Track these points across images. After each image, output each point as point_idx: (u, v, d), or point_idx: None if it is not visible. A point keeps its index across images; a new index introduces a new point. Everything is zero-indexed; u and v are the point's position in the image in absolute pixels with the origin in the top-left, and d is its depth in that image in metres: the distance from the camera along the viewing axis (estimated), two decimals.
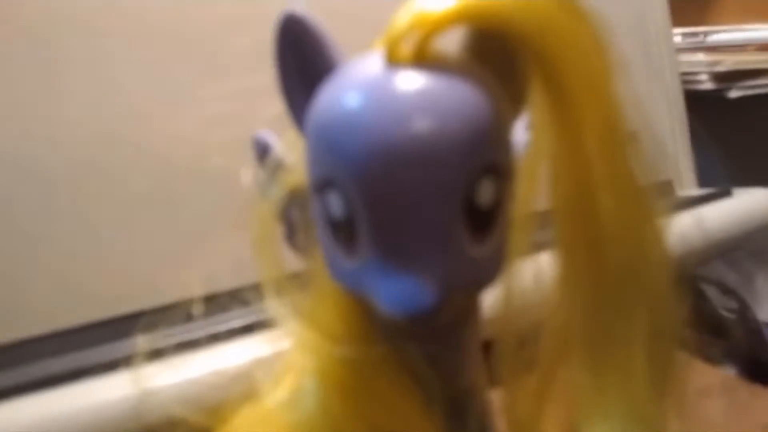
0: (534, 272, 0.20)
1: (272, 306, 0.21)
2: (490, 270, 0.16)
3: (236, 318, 0.34)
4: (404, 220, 0.15)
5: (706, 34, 0.79)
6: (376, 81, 0.15)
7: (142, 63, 0.42)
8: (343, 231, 0.16)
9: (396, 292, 0.15)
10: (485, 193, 0.15)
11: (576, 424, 0.18)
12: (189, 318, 0.28)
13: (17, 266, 0.39)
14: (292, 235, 0.21)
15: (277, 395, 0.20)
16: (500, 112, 0.16)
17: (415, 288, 0.15)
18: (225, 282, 0.33)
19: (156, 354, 0.28)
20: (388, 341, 0.18)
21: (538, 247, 0.19)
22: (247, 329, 0.32)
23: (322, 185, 0.16)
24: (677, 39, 0.74)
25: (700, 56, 0.71)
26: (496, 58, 0.16)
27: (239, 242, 0.21)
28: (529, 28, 0.15)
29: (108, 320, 0.39)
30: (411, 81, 0.15)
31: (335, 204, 0.16)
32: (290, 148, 0.21)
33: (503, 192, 0.16)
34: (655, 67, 0.61)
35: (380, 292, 0.15)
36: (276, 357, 0.22)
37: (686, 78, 0.66)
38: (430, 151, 0.14)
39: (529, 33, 0.15)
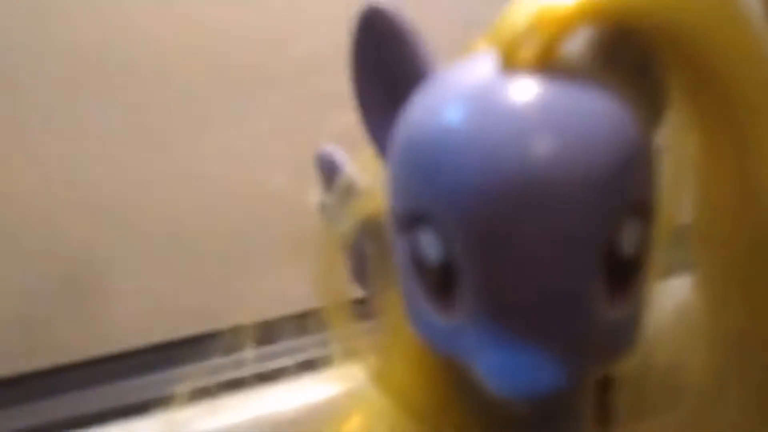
0: (666, 299, 0.17)
1: (333, 347, 0.18)
2: (629, 335, 0.13)
3: (290, 353, 0.31)
4: (525, 273, 0.11)
5: None
6: (490, 91, 0.12)
7: (186, 78, 0.39)
8: (436, 279, 0.13)
9: (508, 367, 0.11)
10: (629, 238, 0.12)
11: None
12: (236, 351, 0.25)
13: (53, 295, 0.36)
14: (360, 271, 0.18)
15: None
16: (646, 134, 0.12)
17: (535, 363, 0.11)
18: (277, 311, 0.31)
19: (197, 393, 0.26)
20: (478, 417, 0.15)
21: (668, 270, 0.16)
22: (303, 367, 0.29)
23: (410, 221, 0.13)
24: None
25: None
26: (629, 65, 0.13)
27: (297, 271, 0.18)
28: (680, 24, 0.12)
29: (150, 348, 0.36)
30: (536, 92, 0.12)
31: (428, 245, 0.12)
32: (363, 169, 0.18)
33: (648, 237, 0.12)
34: None
35: (486, 363, 0.12)
36: (333, 404, 0.19)
37: None
38: (563, 185, 0.11)
39: (680, 30, 0.12)
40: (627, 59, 0.13)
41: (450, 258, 0.12)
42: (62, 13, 0.35)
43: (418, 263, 0.13)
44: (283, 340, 0.31)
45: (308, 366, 0.28)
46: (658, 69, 0.13)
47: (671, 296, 0.16)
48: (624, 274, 0.12)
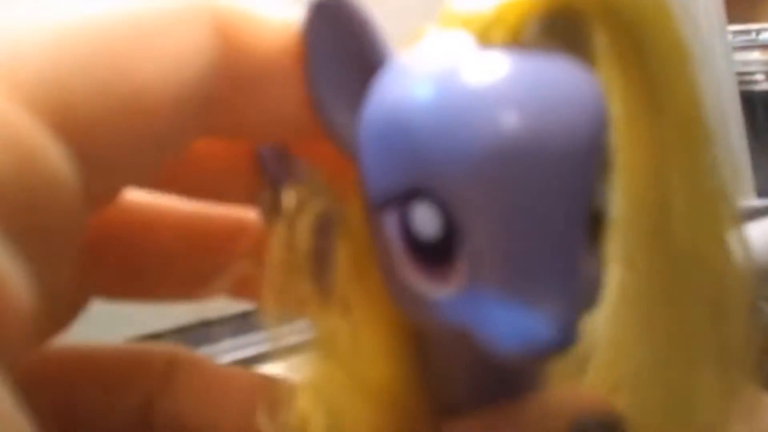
0: None
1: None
2: (597, 289, 0.14)
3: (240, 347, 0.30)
4: (524, 233, 0.12)
5: (758, 31, 0.75)
6: (478, 64, 0.12)
7: None
8: (431, 250, 0.13)
9: (515, 325, 0.12)
10: (600, 194, 0.13)
11: None
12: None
13: None
14: (321, 271, 0.18)
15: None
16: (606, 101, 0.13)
17: (539, 319, 0.12)
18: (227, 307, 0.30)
19: None
20: (442, 380, 0.16)
21: None
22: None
23: (402, 197, 0.13)
24: (728, 37, 0.70)
25: (755, 54, 0.67)
26: (566, 41, 0.14)
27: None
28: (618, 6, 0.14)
29: None
30: (523, 63, 0.12)
31: (425, 218, 0.13)
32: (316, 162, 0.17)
33: (606, 192, 0.14)
34: (709, 66, 0.57)
35: (492, 324, 0.12)
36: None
37: (741, 78, 0.62)
38: (563, 145, 0.12)
39: (616, 11, 0.14)
40: (562, 36, 0.14)
41: (450, 227, 0.13)
42: None
43: (411, 238, 0.13)
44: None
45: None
46: (589, 45, 0.14)
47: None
48: (596, 229, 0.13)
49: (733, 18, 0.72)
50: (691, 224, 0.15)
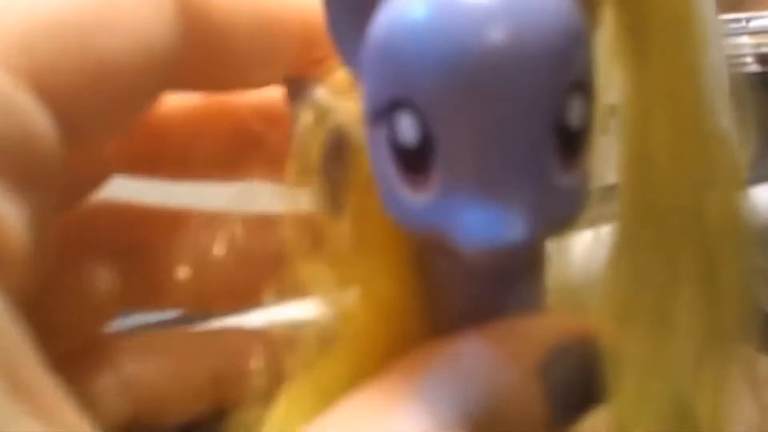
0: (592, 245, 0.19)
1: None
2: (577, 203, 0.15)
3: None
4: (490, 140, 0.13)
5: (748, 19, 0.77)
6: None
7: None
8: (413, 160, 0.14)
9: (481, 223, 0.13)
10: (575, 112, 0.14)
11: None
12: None
13: None
14: (333, 195, 0.19)
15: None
16: (583, 24, 0.14)
17: (503, 218, 0.13)
18: None
19: None
20: (444, 291, 0.17)
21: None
22: None
23: (389, 108, 0.14)
24: (720, 23, 0.71)
25: (745, 39, 0.69)
26: None
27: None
28: None
29: None
30: None
31: (406, 128, 0.14)
32: (332, 90, 0.19)
33: (591, 114, 0.14)
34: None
35: (461, 224, 0.14)
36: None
37: (731, 62, 0.64)
38: (518, 61, 0.13)
39: None
40: None
41: (426, 136, 0.14)
42: None
43: (396, 147, 0.14)
44: None
45: None
46: None
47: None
48: (573, 146, 0.14)
49: (724, 8, 0.73)
50: (677, 178, 0.16)
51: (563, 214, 0.15)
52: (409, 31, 0.14)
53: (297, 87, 0.20)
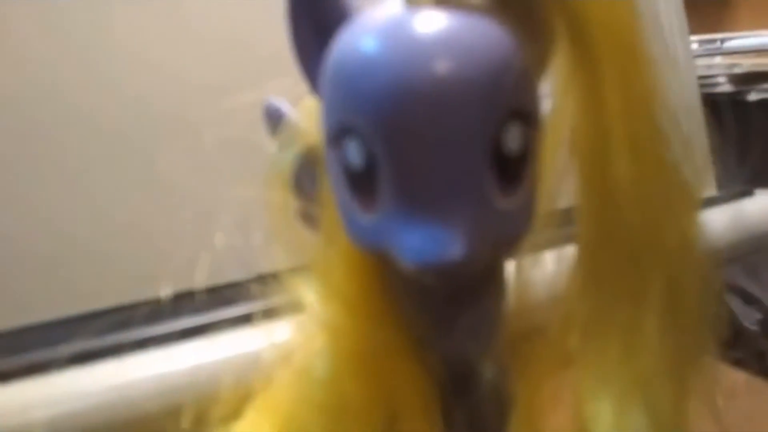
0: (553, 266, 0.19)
1: (287, 281, 0.20)
2: (519, 225, 0.16)
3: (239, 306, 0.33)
4: (428, 165, 0.14)
5: (722, 40, 0.79)
6: (395, 22, 0.15)
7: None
8: (361, 182, 0.15)
9: (420, 242, 0.14)
10: (513, 139, 0.15)
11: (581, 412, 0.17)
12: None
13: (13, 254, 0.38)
14: (306, 207, 0.21)
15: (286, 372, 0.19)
16: (524, 58, 0.15)
17: (440, 237, 0.14)
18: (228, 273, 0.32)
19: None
20: (405, 307, 0.17)
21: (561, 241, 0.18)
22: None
23: (339, 134, 0.15)
24: (694, 46, 0.73)
25: (718, 60, 0.71)
26: (520, 11, 0.16)
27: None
28: None
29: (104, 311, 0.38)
30: (432, 21, 0.14)
31: (353, 152, 0.15)
32: (304, 115, 0.20)
33: (532, 141, 0.15)
34: (671, 69, 0.60)
35: (402, 243, 0.14)
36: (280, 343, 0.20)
37: (704, 81, 0.66)
38: (452, 92, 0.14)
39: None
40: (517, 6, 0.15)
41: (371, 161, 0.15)
42: None
43: (347, 170, 0.15)
44: None
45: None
46: (545, 19, 0.16)
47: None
48: (512, 172, 0.15)
49: (699, 28, 0.75)
50: (638, 200, 0.16)
51: (505, 235, 0.15)
52: (356, 61, 0.15)
53: (274, 111, 0.21)
